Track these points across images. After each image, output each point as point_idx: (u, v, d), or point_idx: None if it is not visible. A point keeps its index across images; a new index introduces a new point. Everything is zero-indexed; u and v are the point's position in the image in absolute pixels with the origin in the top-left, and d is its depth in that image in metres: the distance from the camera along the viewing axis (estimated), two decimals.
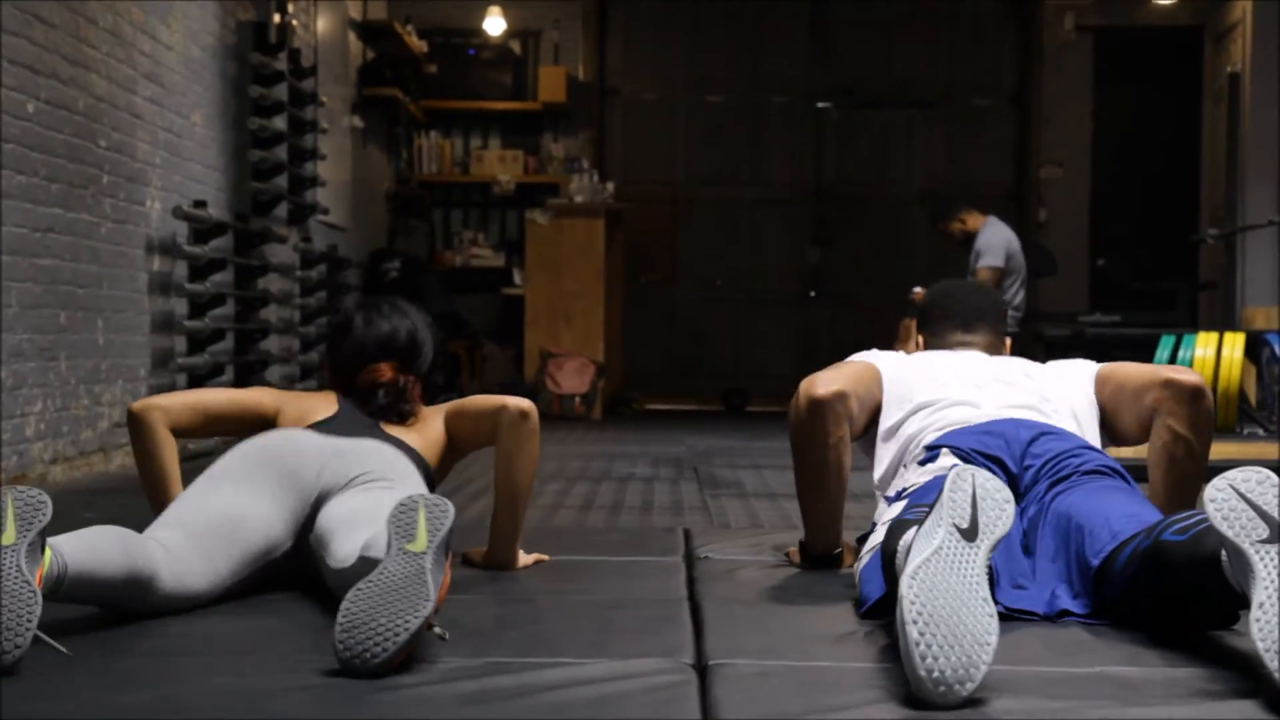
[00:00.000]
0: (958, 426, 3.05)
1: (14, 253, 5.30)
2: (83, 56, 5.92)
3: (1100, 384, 3.21)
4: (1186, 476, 3.05)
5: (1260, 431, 7.61)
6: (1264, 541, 2.21)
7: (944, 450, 2.97)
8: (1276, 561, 2.18)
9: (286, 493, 2.95)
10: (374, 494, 2.91)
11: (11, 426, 5.32)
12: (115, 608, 2.63)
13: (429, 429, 3.29)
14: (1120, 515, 2.71)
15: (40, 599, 2.29)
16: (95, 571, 2.51)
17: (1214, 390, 7.50)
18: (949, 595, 2.14)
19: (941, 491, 2.31)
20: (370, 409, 3.24)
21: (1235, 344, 7.80)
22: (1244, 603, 2.24)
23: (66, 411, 5.80)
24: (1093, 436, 3.14)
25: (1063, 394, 3.18)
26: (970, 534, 2.25)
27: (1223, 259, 10.02)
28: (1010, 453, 2.93)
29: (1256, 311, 10.04)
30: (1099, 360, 3.36)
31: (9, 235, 5.27)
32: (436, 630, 2.35)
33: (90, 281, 6.00)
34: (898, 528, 2.56)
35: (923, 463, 3.00)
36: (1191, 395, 3.03)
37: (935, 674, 2.07)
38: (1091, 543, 2.68)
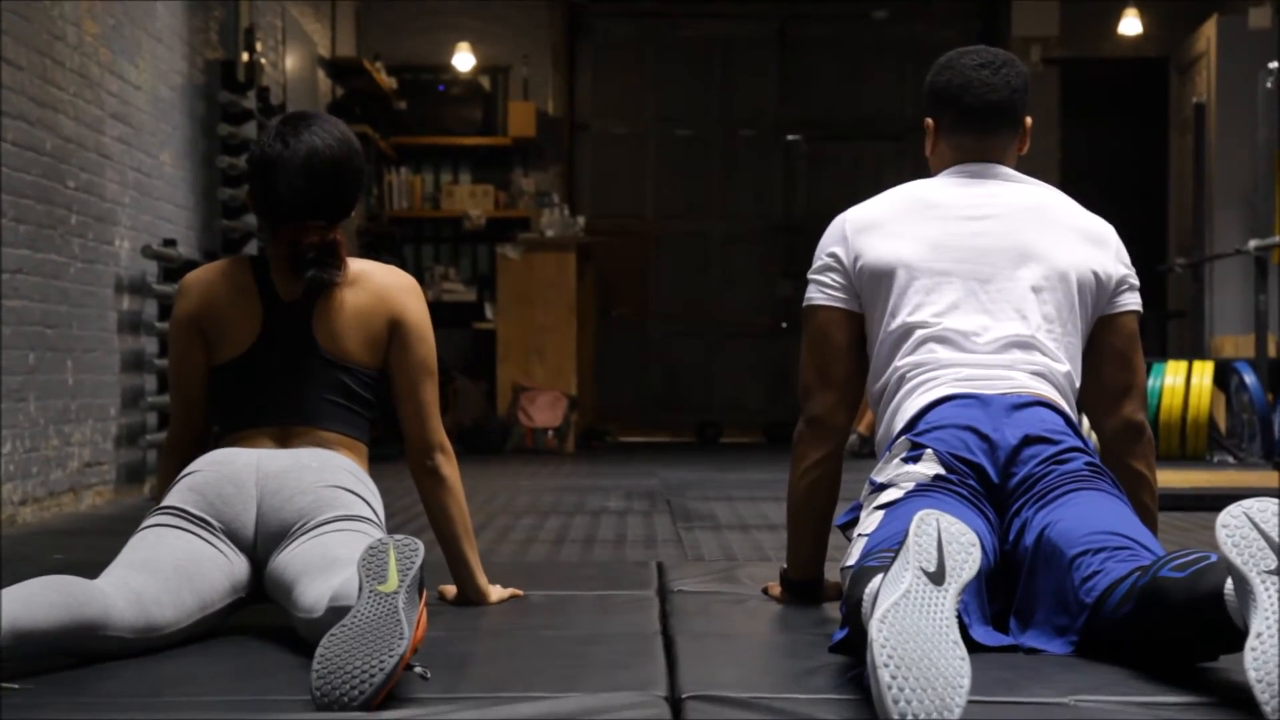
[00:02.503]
0: (947, 395, 2.96)
1: None
2: (50, 98, 5.91)
3: (1099, 331, 3.13)
4: (1149, 510, 3.08)
5: (1230, 459, 7.64)
6: (1271, 572, 2.18)
7: (927, 454, 2.89)
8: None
9: (231, 541, 2.93)
10: (324, 539, 2.87)
11: None
12: (74, 654, 2.58)
13: (370, 316, 3.14)
14: (1113, 544, 2.67)
15: None
16: (33, 626, 2.44)
17: (1183, 418, 7.53)
18: (919, 638, 2.11)
19: (907, 536, 2.28)
20: (299, 269, 3.07)
21: (1204, 372, 7.84)
22: (1243, 640, 2.20)
23: (36, 453, 5.77)
24: (1076, 360, 3.09)
25: (1069, 317, 3.06)
26: (938, 578, 2.23)
27: (1191, 288, 10.06)
28: (993, 459, 2.88)
29: (1225, 340, 10.08)
30: None
31: None
32: (417, 670, 2.34)
33: (59, 322, 5.98)
34: (861, 575, 2.51)
35: (906, 460, 2.92)
36: (1149, 438, 3.16)
37: (909, 717, 2.04)
38: (1082, 575, 2.65)
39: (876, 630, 2.11)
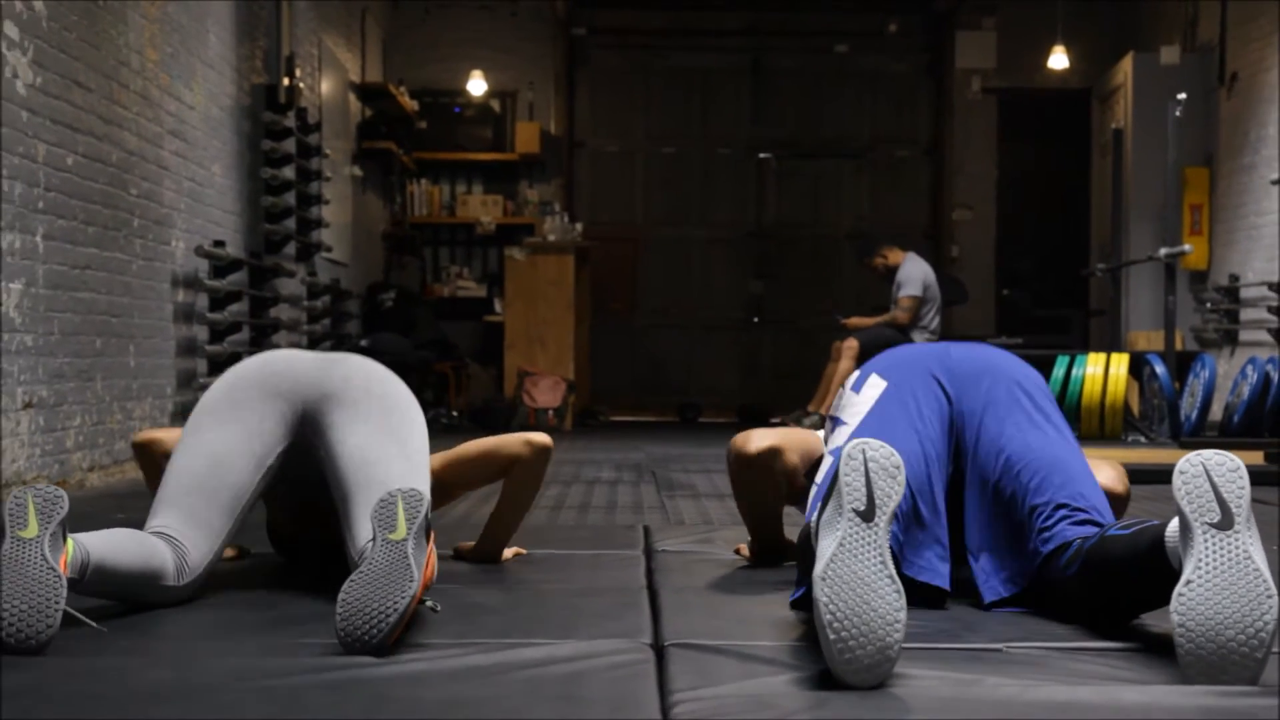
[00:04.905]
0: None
1: (55, 287, 5.27)
2: (116, 116, 5.89)
3: None
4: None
5: (1142, 439, 7.65)
6: (1213, 525, 2.08)
7: (872, 378, 2.83)
8: (1216, 548, 2.06)
9: (272, 400, 2.84)
10: (379, 439, 2.78)
11: (54, 439, 5.28)
12: (133, 600, 2.60)
13: None
14: (1074, 503, 2.59)
15: (65, 583, 2.26)
16: (114, 562, 2.49)
17: (1102, 403, 7.54)
18: (857, 585, 2.06)
19: (836, 476, 2.18)
20: None
21: (1121, 363, 7.84)
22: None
23: (102, 425, 5.76)
24: None
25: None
26: (868, 514, 2.12)
27: (1110, 290, 10.07)
28: (944, 368, 2.82)
29: (1139, 335, 10.11)
30: None
31: (51, 272, 5.24)
32: (429, 603, 2.35)
33: (123, 312, 5.96)
34: (809, 535, 2.44)
35: (856, 388, 2.85)
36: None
37: (854, 664, 2.03)
38: (1040, 525, 2.57)
39: (819, 590, 2.07)
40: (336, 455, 2.76)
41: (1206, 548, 2.07)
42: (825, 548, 2.13)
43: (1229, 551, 2.06)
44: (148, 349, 6.27)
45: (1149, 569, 2.26)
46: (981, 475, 2.72)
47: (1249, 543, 2.08)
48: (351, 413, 2.81)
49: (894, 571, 2.09)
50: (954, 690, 2.02)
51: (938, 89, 13.00)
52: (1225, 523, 2.09)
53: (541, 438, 3.15)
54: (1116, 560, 2.37)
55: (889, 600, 2.06)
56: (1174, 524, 2.20)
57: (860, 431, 2.72)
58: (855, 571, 2.08)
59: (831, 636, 2.04)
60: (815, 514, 2.43)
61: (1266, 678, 2.06)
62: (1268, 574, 2.06)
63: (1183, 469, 2.14)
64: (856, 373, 2.91)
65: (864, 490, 2.14)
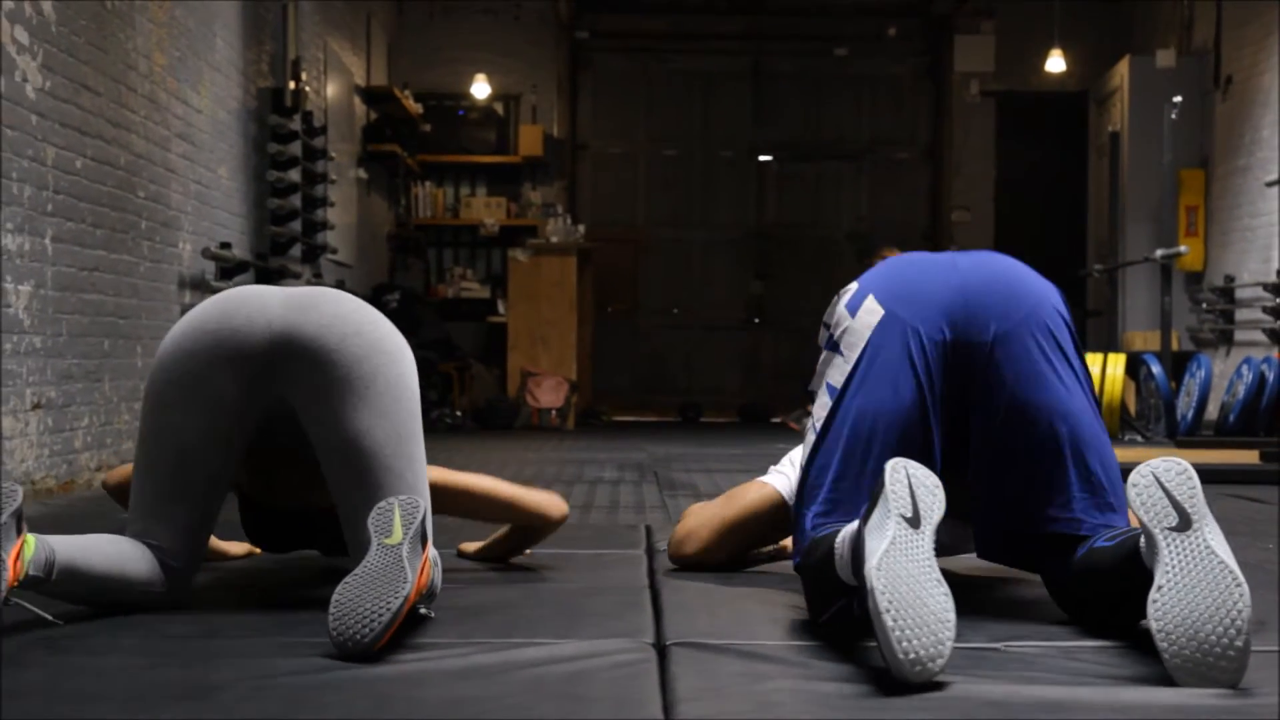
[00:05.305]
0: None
1: (64, 289, 5.27)
2: (124, 119, 5.89)
3: None
4: None
5: (1139, 438, 7.64)
6: (1173, 529, 2.10)
7: (868, 301, 2.63)
8: (1180, 550, 2.08)
9: (235, 365, 2.56)
10: (372, 423, 2.54)
11: (62, 439, 5.28)
12: (117, 604, 2.51)
13: None
14: (1081, 451, 2.50)
15: (5, 569, 2.20)
16: (87, 564, 2.42)
17: (1100, 402, 7.55)
18: (910, 581, 2.03)
19: (883, 486, 2.15)
20: None
21: (1118, 363, 7.83)
22: None
23: (110, 426, 5.75)
24: None
25: None
26: (915, 522, 2.10)
27: (1106, 290, 10.06)
28: (955, 292, 2.59)
29: (1135, 335, 10.10)
30: None
31: (60, 274, 5.23)
32: (422, 610, 2.33)
33: (130, 313, 5.96)
34: (816, 544, 2.39)
35: (851, 308, 2.64)
36: None
37: (911, 655, 1.98)
38: (1054, 513, 2.49)
39: (874, 579, 2.01)
40: (326, 442, 2.56)
41: (1170, 551, 2.09)
42: (875, 546, 2.08)
43: (1192, 551, 2.08)
44: (155, 350, 6.25)
45: (1133, 579, 2.25)
46: (987, 422, 2.55)
47: (1209, 538, 2.09)
48: (333, 381, 2.54)
49: (941, 576, 2.07)
50: (953, 689, 2.01)
51: (936, 92, 12.99)
52: (1183, 524, 2.11)
53: (564, 508, 3.08)
54: (1104, 574, 2.37)
55: (940, 600, 2.03)
56: (1143, 539, 2.21)
57: (857, 377, 2.56)
58: (908, 569, 2.04)
59: (889, 624, 1.99)
60: (815, 513, 2.42)
61: (1264, 678, 2.06)
62: (1233, 564, 2.06)
63: (1134, 481, 2.17)
64: (853, 286, 2.69)
65: (909, 500, 2.13)
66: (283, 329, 2.57)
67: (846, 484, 2.53)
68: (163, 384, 2.60)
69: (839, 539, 2.28)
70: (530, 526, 3.08)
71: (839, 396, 2.60)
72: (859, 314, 2.62)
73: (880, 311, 2.59)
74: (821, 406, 2.64)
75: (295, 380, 2.57)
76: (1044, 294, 2.64)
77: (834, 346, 2.65)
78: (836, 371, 2.62)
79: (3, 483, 2.30)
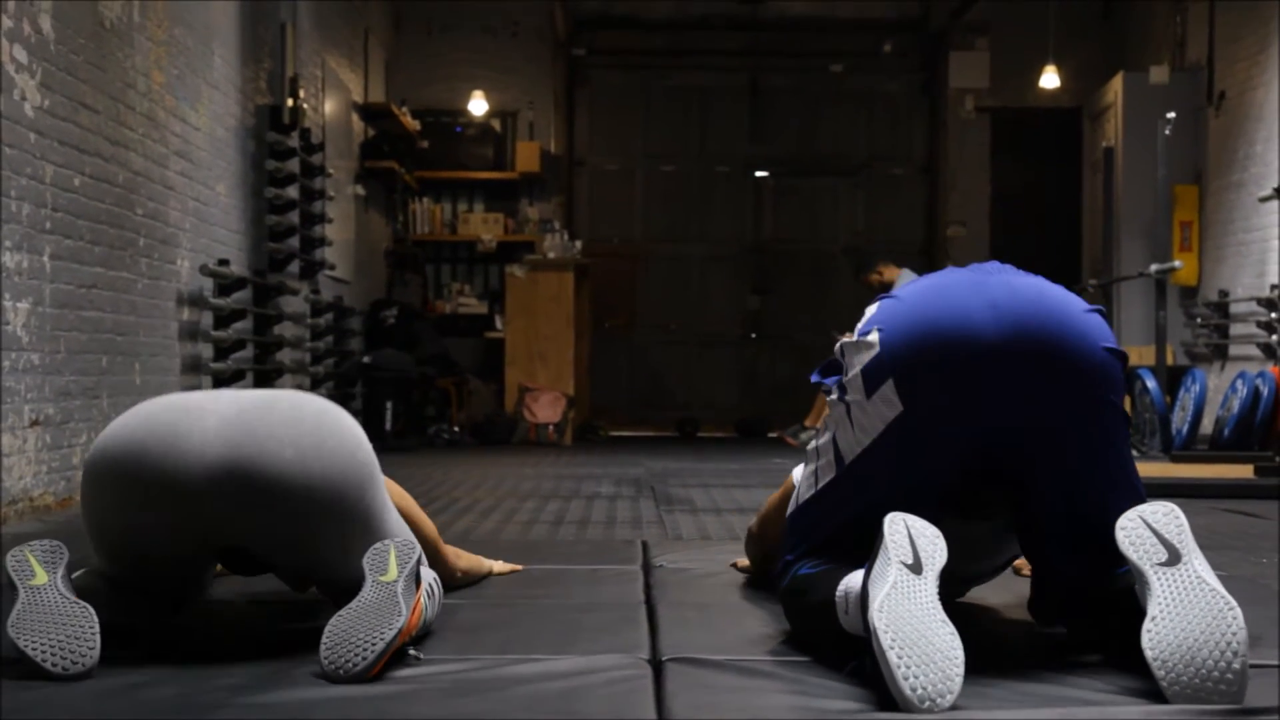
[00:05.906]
0: None
1: (62, 306, 5.27)
2: (122, 137, 5.89)
3: None
4: None
5: (1134, 453, 7.64)
6: (1162, 564, 2.15)
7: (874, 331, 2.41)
8: (1170, 582, 2.12)
9: (171, 506, 2.39)
10: (353, 544, 2.47)
11: (60, 456, 5.27)
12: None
13: None
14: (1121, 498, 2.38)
15: (94, 613, 2.25)
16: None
17: None
18: (914, 621, 2.03)
19: (883, 538, 2.14)
20: None
21: None
22: None
23: None
24: None
25: None
26: (916, 568, 2.11)
27: (1100, 304, 10.06)
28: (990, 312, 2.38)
29: (1130, 349, 10.09)
30: None
31: (58, 291, 5.23)
32: (412, 652, 2.31)
33: (128, 330, 5.95)
34: (810, 581, 2.38)
35: (866, 377, 2.39)
36: None
37: (919, 691, 1.97)
38: (1078, 567, 2.41)
39: (877, 619, 2.01)
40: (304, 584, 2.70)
41: (1161, 585, 2.13)
42: (877, 592, 2.07)
43: (1183, 581, 2.12)
44: (153, 367, 6.26)
45: (1130, 612, 2.24)
46: (1039, 503, 2.41)
47: (1200, 569, 2.14)
48: (295, 519, 2.39)
49: (946, 617, 2.05)
50: (954, 714, 2.01)
51: (932, 108, 13.01)
52: (1173, 559, 2.16)
53: (483, 570, 3.16)
54: (1103, 606, 2.37)
55: (946, 639, 2.02)
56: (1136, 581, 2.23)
57: (867, 462, 2.42)
58: (910, 610, 2.04)
59: (894, 661, 1.98)
60: (805, 566, 2.41)
61: (1264, 693, 2.05)
62: (1224, 591, 2.09)
63: (1122, 525, 2.23)
64: (873, 340, 2.40)
65: (910, 548, 2.14)
66: (221, 463, 2.36)
67: (841, 544, 2.47)
68: (96, 532, 2.50)
69: (839, 592, 2.25)
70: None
71: (846, 468, 2.47)
72: (874, 398, 2.38)
73: (899, 407, 2.36)
74: (826, 465, 2.51)
75: (248, 516, 2.38)
76: (1104, 367, 2.39)
77: (844, 401, 2.45)
78: (844, 434, 2.45)
79: (47, 543, 2.36)
